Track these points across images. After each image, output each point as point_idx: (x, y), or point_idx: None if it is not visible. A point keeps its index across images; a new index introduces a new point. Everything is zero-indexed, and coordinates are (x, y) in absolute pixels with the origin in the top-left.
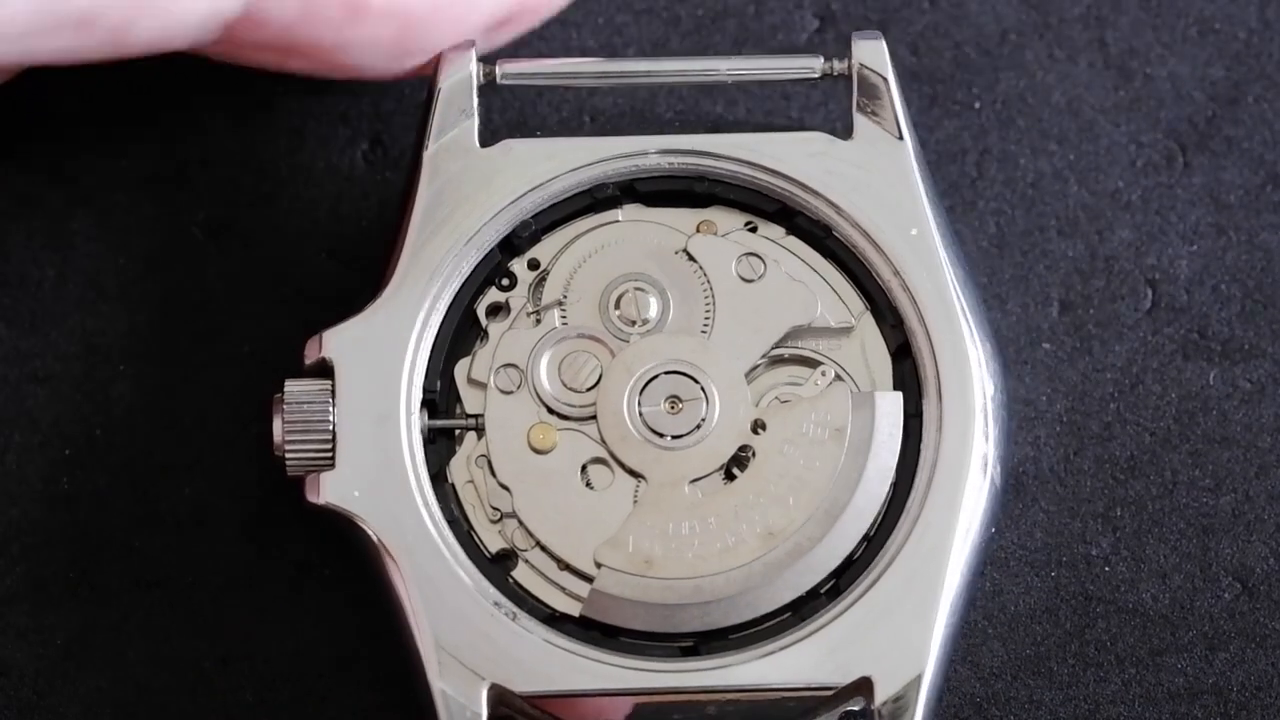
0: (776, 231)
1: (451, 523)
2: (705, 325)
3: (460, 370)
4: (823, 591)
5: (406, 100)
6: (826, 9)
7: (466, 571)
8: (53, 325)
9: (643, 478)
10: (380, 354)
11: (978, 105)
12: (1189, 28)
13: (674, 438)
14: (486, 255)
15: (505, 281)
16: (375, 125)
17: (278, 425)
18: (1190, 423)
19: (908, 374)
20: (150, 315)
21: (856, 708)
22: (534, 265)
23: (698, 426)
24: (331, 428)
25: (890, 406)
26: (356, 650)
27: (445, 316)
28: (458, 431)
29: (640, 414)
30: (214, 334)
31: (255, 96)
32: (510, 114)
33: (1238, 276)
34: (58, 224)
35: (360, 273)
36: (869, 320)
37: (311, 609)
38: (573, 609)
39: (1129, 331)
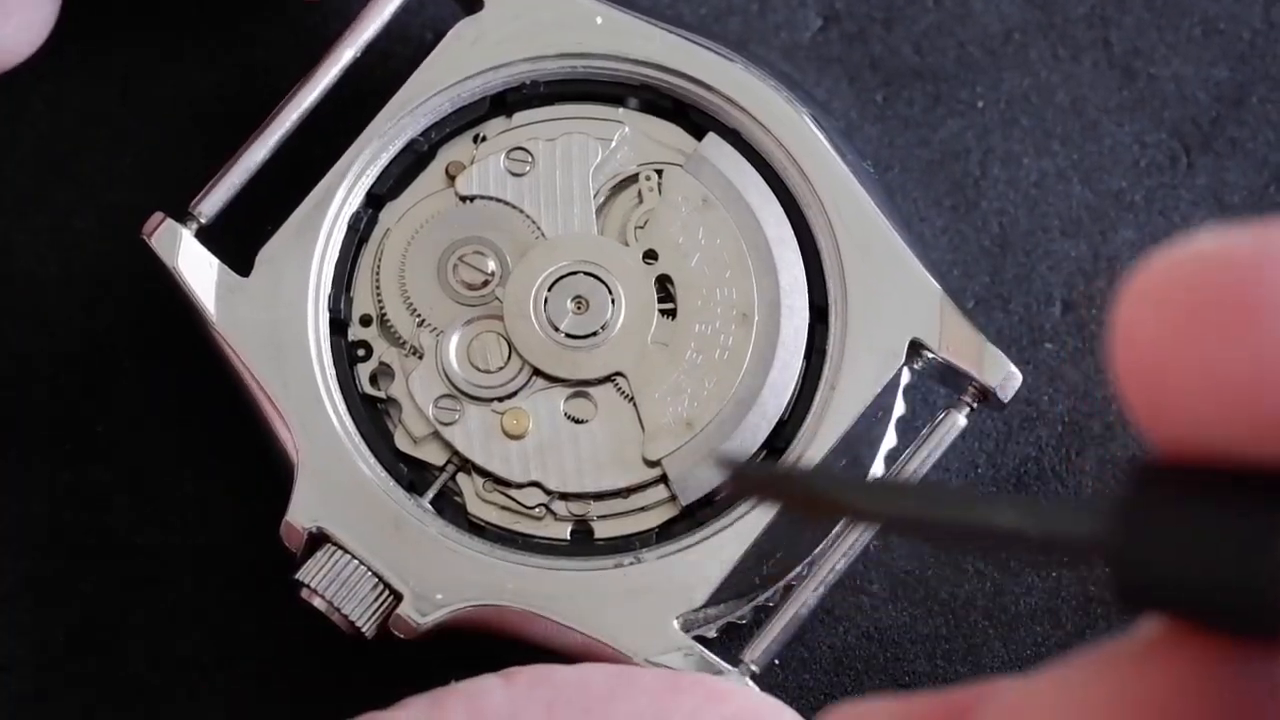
0: (501, 123)
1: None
2: (536, 234)
3: (403, 445)
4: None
5: None
6: (830, 8)
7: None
8: (56, 322)
9: (621, 374)
10: None
11: (981, 104)
12: (1193, 28)
13: (602, 328)
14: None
15: (361, 353)
16: None
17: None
18: None
19: (695, 117)
20: (154, 313)
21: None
22: (365, 320)
23: (612, 302)
24: None
25: (715, 148)
26: (358, 649)
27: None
28: (448, 483)
29: (560, 331)
30: None
31: (259, 99)
32: None
33: None
34: (62, 221)
35: None
36: (634, 115)
37: (312, 608)
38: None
39: None
